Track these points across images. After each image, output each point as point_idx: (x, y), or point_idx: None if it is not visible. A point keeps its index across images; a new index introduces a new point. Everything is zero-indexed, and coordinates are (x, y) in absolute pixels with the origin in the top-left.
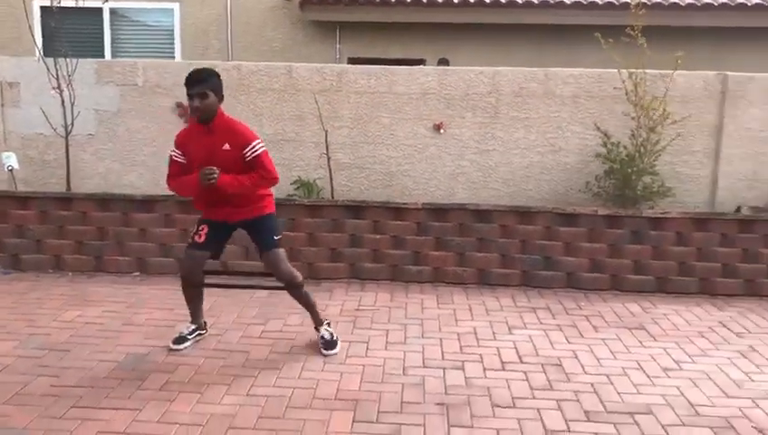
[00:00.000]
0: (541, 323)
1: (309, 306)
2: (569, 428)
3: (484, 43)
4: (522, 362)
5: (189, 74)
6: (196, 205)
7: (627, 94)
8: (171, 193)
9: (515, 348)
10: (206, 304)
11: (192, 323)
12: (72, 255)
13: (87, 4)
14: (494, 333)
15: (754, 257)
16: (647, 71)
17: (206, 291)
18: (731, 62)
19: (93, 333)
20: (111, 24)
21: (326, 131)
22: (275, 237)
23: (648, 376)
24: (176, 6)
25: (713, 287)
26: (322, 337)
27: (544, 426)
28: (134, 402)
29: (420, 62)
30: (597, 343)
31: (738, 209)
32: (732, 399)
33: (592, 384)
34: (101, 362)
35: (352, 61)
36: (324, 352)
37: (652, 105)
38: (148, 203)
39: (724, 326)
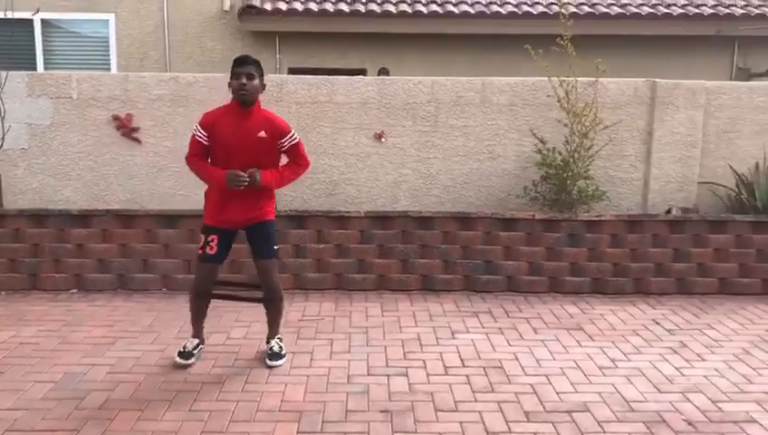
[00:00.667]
0: (483, 326)
1: (278, 320)
2: (509, 429)
3: (425, 53)
4: (464, 365)
5: (239, 56)
6: (209, 199)
7: (559, 101)
8: (108, 208)
9: (458, 352)
10: (147, 320)
11: (195, 336)
12: (5, 273)
13: (16, 15)
14: (437, 338)
15: (685, 257)
16: (578, 78)
17: (149, 304)
18: (645, 69)
19: (28, 354)
20: (44, 36)
21: None
22: (275, 247)
23: (586, 375)
24: (111, 17)
25: (647, 287)
26: (271, 349)
27: (486, 428)
28: (72, 423)
29: (361, 72)
30: (537, 345)
31: (669, 211)
32: (664, 394)
33: (532, 385)
34: (37, 383)
35: (293, 71)
36: (270, 362)
37: (583, 112)
38: (84, 218)
39: (658, 324)
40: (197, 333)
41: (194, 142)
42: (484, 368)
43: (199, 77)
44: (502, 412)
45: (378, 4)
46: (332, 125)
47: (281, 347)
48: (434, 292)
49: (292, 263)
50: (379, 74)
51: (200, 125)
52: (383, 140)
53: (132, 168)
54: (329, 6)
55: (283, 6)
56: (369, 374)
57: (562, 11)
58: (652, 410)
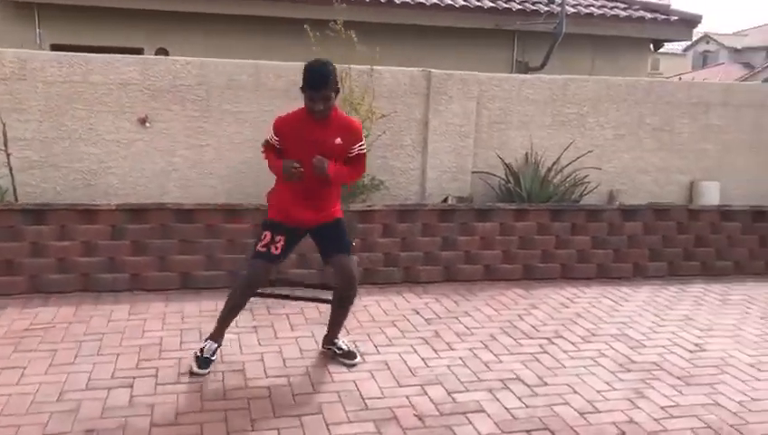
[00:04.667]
0: (237, 326)
1: (342, 322)
2: None
3: (212, 36)
4: None
5: (312, 71)
6: (278, 194)
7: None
8: None
9: None
10: None
11: (215, 340)
12: None
13: None
14: (181, 342)
15: (452, 245)
16: (352, 66)
17: None
18: (432, 60)
19: None
20: None
21: (3, 124)
22: (352, 242)
23: (330, 373)
24: None
25: (416, 275)
26: (341, 348)
27: None
28: None
29: (138, 51)
30: (289, 343)
31: (446, 200)
32: (403, 388)
33: (269, 388)
34: None
35: (56, 48)
36: (350, 361)
37: (357, 101)
38: None
39: (417, 313)
40: (220, 337)
41: (268, 144)
42: (223, 372)
43: None
44: (226, 422)
45: None
46: (89, 108)
47: (348, 346)
48: (195, 290)
49: (28, 263)
50: (156, 55)
51: (274, 129)
52: (147, 124)
53: None
54: None
55: None
56: (87, 389)
57: None
58: (386, 407)
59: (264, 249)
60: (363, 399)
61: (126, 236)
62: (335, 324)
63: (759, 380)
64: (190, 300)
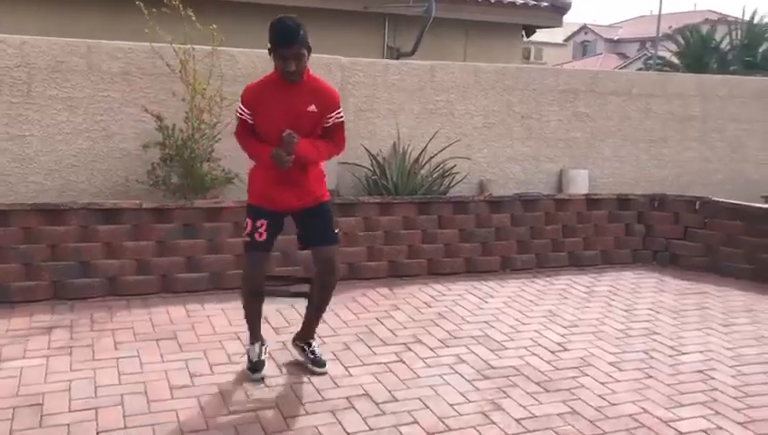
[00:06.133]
0: (50, 347)
1: (321, 315)
2: None
3: (41, 13)
4: None
5: (280, 26)
6: (255, 177)
7: (181, 73)
8: None
9: None
10: None
11: (255, 341)
12: None
13: None
14: None
15: None
16: (196, 47)
17: None
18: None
19: None
20: None
21: None
22: (336, 231)
23: (149, 401)
24: None
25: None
26: (313, 352)
27: None
28: None
29: None
30: (108, 366)
31: None
32: (230, 416)
33: (69, 425)
34: None
35: None
36: (320, 369)
37: (201, 85)
38: None
39: (266, 322)
40: (258, 335)
41: (240, 120)
42: (14, 408)
43: None
44: None
45: None
46: None
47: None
48: (10, 303)
49: None
50: None
51: (242, 102)
52: None
53: None
54: None
55: None
56: None
57: None
58: None
59: (248, 239)
60: (183, 433)
61: None
62: (313, 318)
63: (618, 380)
64: (2, 317)
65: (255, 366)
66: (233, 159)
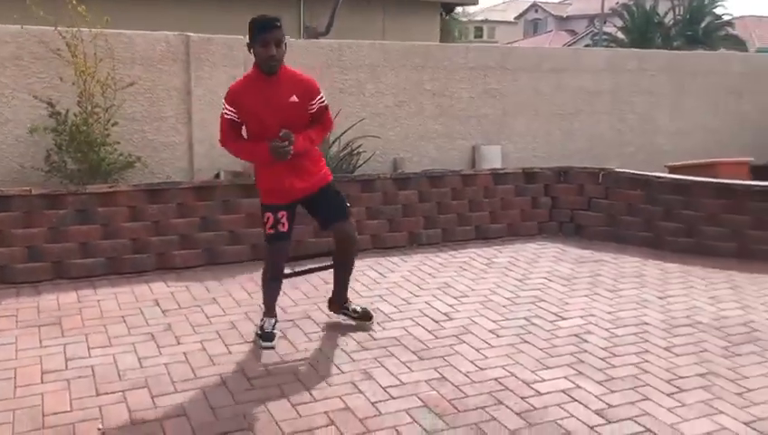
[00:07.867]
0: None
1: (349, 278)
2: None
3: None
4: None
5: (259, 18)
6: (261, 177)
7: (72, 57)
8: None
9: None
10: None
11: (271, 316)
12: None
13: None
14: None
15: (214, 225)
16: (83, 29)
17: None
18: (211, 30)
19: None
20: None
21: None
22: (348, 204)
23: (16, 387)
24: None
25: (171, 261)
26: (355, 310)
27: None
28: None
29: None
30: None
31: (218, 175)
32: (100, 396)
33: None
34: None
35: None
36: (367, 323)
37: (90, 68)
38: None
39: (157, 304)
40: (273, 311)
41: (225, 122)
42: None
43: None
44: None
45: None
46: None
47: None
48: None
49: None
50: None
51: (227, 101)
52: None
53: None
54: None
55: None
56: None
57: None
58: (68, 423)
59: (272, 231)
60: (44, 416)
61: None
62: (341, 286)
63: (492, 346)
64: None
65: (268, 337)
66: (138, 144)
